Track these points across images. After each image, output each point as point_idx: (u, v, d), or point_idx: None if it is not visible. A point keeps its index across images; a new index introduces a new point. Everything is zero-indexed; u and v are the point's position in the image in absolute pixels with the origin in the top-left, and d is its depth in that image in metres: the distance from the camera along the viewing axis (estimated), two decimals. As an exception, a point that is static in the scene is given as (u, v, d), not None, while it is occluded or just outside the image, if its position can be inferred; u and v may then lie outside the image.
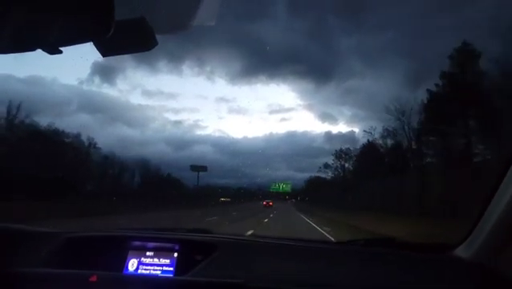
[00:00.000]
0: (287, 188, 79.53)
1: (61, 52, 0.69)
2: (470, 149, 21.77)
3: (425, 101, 26.02)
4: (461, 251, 1.33)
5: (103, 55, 0.76)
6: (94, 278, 1.30)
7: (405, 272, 1.31)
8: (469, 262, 1.26)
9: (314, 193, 74.01)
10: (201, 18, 0.85)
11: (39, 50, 0.66)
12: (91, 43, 0.70)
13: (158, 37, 0.76)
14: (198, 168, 57.84)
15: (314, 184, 78.31)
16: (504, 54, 18.10)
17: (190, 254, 1.43)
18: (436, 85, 25.01)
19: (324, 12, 79.69)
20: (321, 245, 1.61)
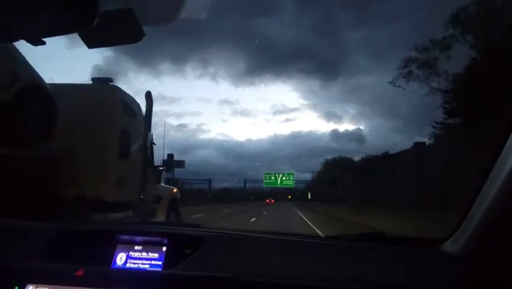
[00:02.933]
0: (289, 181, 55.57)
1: (44, 43, 0.67)
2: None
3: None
4: (449, 245, 1.35)
5: (89, 47, 0.74)
6: (80, 273, 1.28)
7: (393, 267, 1.32)
8: (456, 257, 1.28)
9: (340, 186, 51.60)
10: (190, 10, 0.83)
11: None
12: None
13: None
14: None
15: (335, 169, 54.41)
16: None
17: (179, 248, 1.43)
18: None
19: (331, 6, 78.63)
20: (310, 239, 1.62)
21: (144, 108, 5.94)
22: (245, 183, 67.02)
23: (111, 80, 5.65)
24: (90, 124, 4.98)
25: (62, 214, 4.29)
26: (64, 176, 4.57)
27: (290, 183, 56.25)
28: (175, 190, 8.72)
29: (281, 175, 55.40)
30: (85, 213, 4.61)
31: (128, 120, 5.80)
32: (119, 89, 5.74)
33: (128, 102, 5.92)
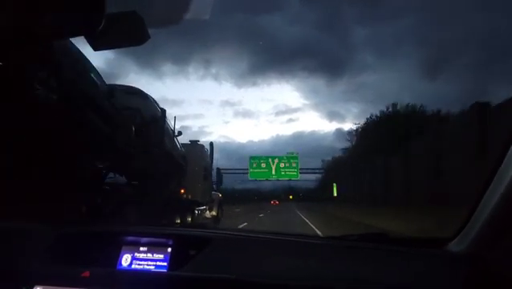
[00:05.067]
0: (291, 170, 34.31)
1: (49, 47, 0.67)
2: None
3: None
4: (454, 245, 1.34)
5: (95, 49, 0.75)
6: (86, 274, 1.29)
7: (397, 267, 1.31)
8: (462, 257, 1.27)
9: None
10: (193, 11, 0.83)
11: None
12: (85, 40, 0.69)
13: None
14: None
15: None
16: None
17: (184, 248, 1.43)
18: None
19: (337, 2, 77.45)
20: (313, 240, 1.61)
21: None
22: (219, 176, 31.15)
23: (198, 141, 12.57)
24: (193, 165, 10.98)
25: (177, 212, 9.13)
26: (184, 190, 10.14)
27: (292, 174, 34.68)
28: (220, 195, 15.83)
29: (277, 160, 33.71)
30: (188, 209, 10.08)
31: (206, 161, 12.74)
32: (203, 146, 12.82)
33: (206, 152, 12.90)
